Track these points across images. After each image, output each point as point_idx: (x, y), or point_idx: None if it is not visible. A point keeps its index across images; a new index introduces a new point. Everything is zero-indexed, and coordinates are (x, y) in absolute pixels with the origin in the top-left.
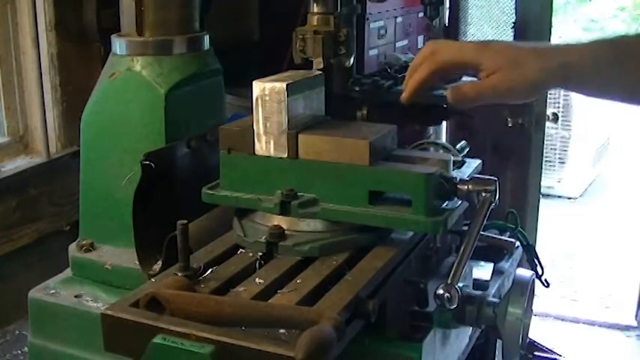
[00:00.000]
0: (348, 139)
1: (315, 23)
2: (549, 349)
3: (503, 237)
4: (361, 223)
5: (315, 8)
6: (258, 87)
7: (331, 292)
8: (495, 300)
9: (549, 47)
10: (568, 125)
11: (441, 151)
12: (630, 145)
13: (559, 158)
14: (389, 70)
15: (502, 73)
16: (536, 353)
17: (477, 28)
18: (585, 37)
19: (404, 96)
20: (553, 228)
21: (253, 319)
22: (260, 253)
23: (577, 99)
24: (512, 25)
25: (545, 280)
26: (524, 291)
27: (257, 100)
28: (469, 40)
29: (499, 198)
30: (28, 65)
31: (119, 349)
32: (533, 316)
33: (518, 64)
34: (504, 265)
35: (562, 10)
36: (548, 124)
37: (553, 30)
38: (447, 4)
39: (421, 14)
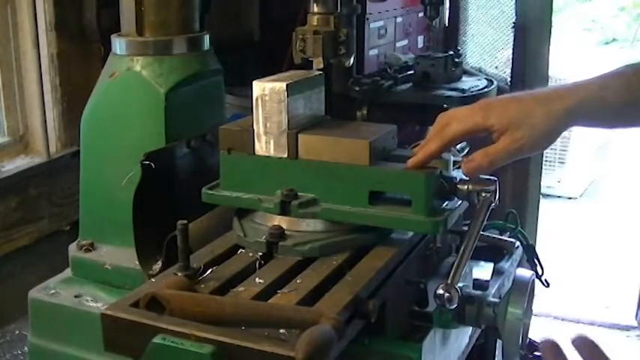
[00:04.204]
0: (348, 139)
1: (315, 23)
2: None
3: (503, 237)
4: (361, 223)
5: (315, 8)
6: (258, 87)
7: (331, 292)
8: (495, 300)
9: (552, 92)
10: None
11: None
12: (630, 145)
13: (559, 158)
14: (389, 70)
15: (512, 131)
16: (536, 353)
17: (477, 28)
18: (585, 38)
19: (410, 163)
20: (553, 228)
21: (253, 319)
22: (260, 253)
23: None
24: (512, 25)
25: (545, 280)
26: (524, 291)
27: (257, 100)
28: (469, 39)
29: (499, 198)
30: (28, 65)
31: (119, 349)
32: (533, 316)
33: (525, 119)
34: (504, 265)
35: (562, 10)
36: None
37: (553, 30)
38: (447, 4)
39: (421, 14)
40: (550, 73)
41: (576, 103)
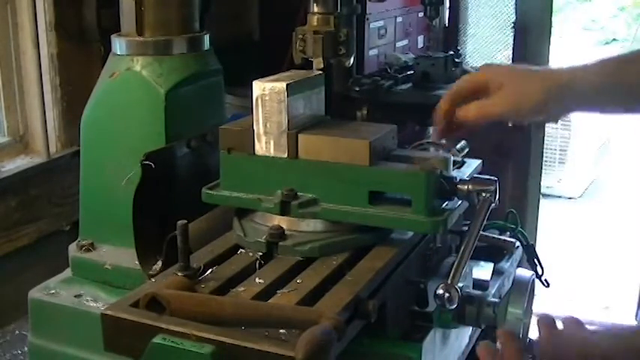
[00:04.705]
0: (348, 139)
1: (315, 23)
2: None
3: (503, 237)
4: (361, 223)
5: (315, 8)
6: (258, 87)
7: (331, 292)
8: (495, 300)
9: (552, 70)
10: (568, 125)
11: (441, 151)
12: (630, 145)
13: (559, 158)
14: (389, 70)
15: (508, 87)
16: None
17: (477, 28)
18: (585, 38)
19: (435, 135)
20: (553, 228)
21: (253, 319)
22: (260, 253)
23: None
24: (512, 25)
25: (545, 280)
26: (524, 291)
27: (257, 100)
28: (469, 39)
29: (499, 198)
30: (28, 65)
31: (119, 349)
32: (533, 316)
33: (522, 80)
34: (504, 265)
35: (562, 10)
36: (548, 124)
37: (553, 30)
38: (447, 4)
39: (421, 14)
40: None
41: (571, 84)
